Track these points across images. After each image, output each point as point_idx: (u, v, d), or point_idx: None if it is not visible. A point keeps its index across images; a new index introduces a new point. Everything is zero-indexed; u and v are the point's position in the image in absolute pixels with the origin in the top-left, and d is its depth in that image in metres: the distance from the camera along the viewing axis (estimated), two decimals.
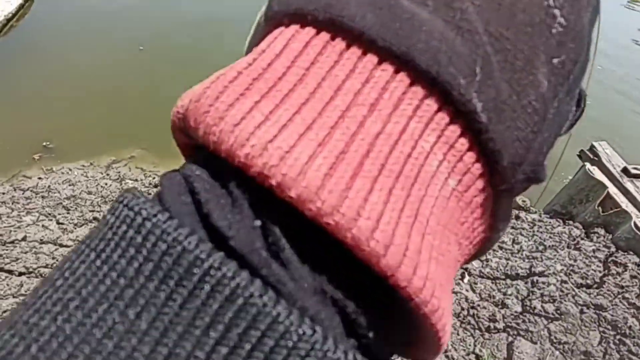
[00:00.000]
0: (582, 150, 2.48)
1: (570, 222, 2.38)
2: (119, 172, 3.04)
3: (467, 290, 1.91)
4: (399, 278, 0.10)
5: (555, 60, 0.12)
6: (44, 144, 3.22)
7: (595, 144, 2.42)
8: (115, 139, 3.40)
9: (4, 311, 1.73)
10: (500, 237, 0.15)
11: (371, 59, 0.11)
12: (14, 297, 1.81)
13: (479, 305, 1.82)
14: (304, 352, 0.09)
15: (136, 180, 2.93)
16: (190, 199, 0.11)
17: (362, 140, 0.10)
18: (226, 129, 0.10)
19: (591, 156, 2.39)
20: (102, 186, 2.75)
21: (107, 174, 2.97)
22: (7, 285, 1.85)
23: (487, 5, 0.11)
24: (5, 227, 2.24)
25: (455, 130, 0.11)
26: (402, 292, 0.10)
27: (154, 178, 2.88)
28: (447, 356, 1.60)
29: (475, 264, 2.03)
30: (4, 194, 2.63)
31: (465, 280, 1.97)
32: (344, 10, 0.11)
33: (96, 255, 0.10)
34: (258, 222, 0.10)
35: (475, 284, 1.93)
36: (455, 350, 1.64)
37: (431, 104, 0.11)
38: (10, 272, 1.94)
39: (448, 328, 0.12)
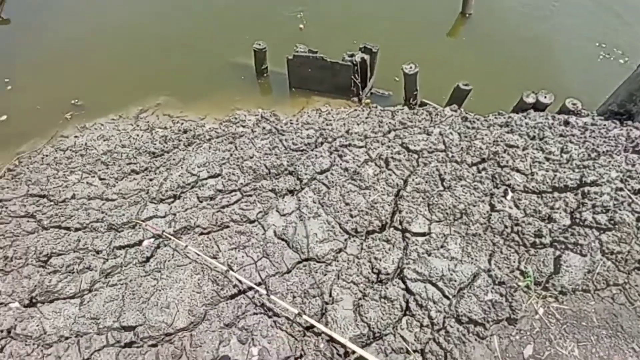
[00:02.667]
0: None
1: (629, 122, 2.14)
2: (148, 122, 3.05)
3: (510, 208, 1.83)
4: None
5: None
6: (73, 101, 3.26)
7: None
8: (139, 88, 3.39)
9: (68, 265, 1.90)
10: None
11: None
12: (74, 251, 1.96)
13: (523, 221, 1.75)
14: None
15: (165, 127, 2.94)
16: None
17: None
18: None
19: None
20: (134, 138, 2.80)
21: (137, 125, 2.99)
22: (67, 241, 2.00)
23: None
24: (55, 187, 2.37)
25: None
26: None
27: (182, 124, 2.87)
28: (490, 275, 1.59)
29: (519, 178, 1.92)
30: (47, 155, 2.75)
31: (509, 197, 1.88)
32: None
33: None
34: None
35: (520, 200, 1.83)
36: (499, 268, 1.61)
37: None
38: (67, 229, 2.09)
39: None
